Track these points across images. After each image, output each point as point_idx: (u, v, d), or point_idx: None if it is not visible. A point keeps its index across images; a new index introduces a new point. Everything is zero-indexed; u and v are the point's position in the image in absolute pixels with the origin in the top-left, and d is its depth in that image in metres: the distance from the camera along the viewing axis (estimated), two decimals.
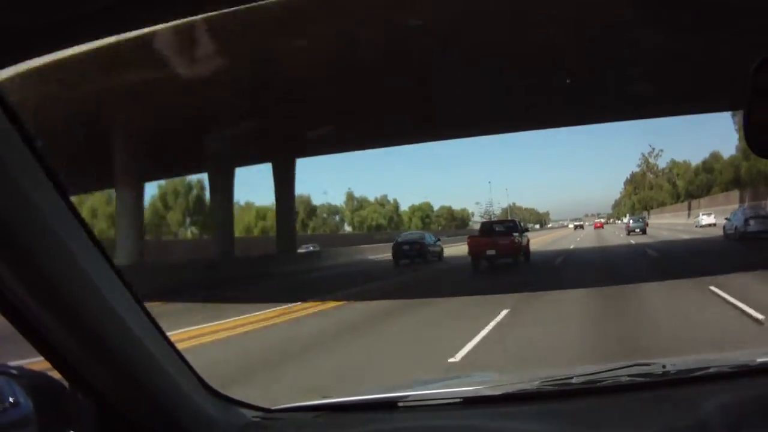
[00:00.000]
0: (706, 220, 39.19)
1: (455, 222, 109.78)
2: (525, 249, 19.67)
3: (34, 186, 0.82)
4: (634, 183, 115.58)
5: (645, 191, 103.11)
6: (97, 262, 0.93)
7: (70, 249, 0.86)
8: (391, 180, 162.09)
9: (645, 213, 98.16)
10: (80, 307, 0.89)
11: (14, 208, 0.79)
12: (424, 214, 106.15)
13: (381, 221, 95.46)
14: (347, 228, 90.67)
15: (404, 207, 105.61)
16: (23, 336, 0.92)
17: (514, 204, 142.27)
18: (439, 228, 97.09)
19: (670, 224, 53.71)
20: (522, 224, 21.41)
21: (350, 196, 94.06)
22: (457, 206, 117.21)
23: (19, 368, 1.07)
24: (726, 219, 24.58)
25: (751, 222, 20.89)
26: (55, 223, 0.84)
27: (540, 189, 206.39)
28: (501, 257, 18.00)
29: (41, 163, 0.83)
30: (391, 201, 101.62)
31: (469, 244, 18.84)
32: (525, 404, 1.30)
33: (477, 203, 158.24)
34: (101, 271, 0.93)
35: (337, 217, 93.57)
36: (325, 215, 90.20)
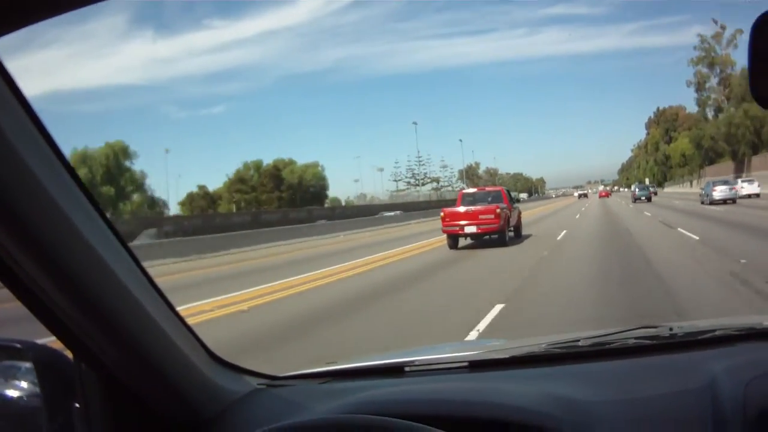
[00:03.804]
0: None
1: (281, 192, 62.64)
2: (515, 223, 16.90)
3: (33, 154, 0.80)
4: (665, 122, 69.18)
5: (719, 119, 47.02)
6: (101, 232, 0.92)
7: (72, 219, 0.85)
8: None
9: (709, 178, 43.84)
10: (83, 277, 0.88)
11: (13, 177, 0.78)
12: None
13: None
14: None
15: None
16: (27, 307, 0.91)
17: (476, 164, 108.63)
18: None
19: None
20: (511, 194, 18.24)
21: None
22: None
23: (24, 342, 1.08)
24: (701, 188, 33.52)
25: (717, 190, 29.82)
26: (56, 193, 0.83)
27: (533, 153, 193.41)
28: (483, 234, 15.30)
29: (40, 131, 0.82)
30: None
31: (444, 218, 15.62)
32: (532, 367, 1.30)
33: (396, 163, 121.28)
34: (105, 241, 0.92)
35: None
36: None
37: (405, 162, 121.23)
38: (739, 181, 34.14)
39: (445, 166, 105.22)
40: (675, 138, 65.29)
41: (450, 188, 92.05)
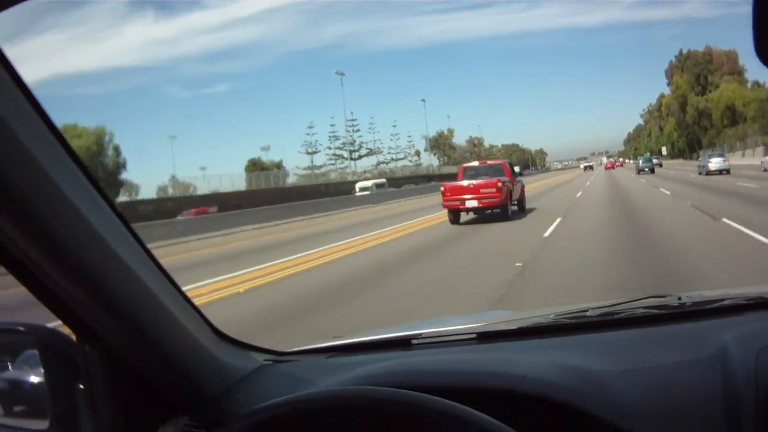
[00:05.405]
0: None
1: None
2: (518, 197, 16.57)
3: (33, 138, 0.79)
4: (695, 66, 46.02)
5: None
6: (103, 213, 0.91)
7: (73, 201, 0.84)
8: None
9: None
10: (85, 258, 0.87)
11: (13, 162, 0.77)
12: None
13: None
14: None
15: None
16: (29, 290, 0.91)
17: (449, 132, 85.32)
18: None
19: None
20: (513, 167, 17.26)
21: None
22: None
23: (27, 325, 1.09)
24: (699, 160, 37.77)
25: (712, 162, 33.20)
26: (58, 177, 0.82)
27: (532, 125, 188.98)
28: (485, 208, 14.96)
29: (39, 115, 0.81)
30: None
31: (444, 193, 15.30)
32: (540, 337, 1.29)
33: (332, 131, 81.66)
34: (106, 221, 0.91)
35: None
36: None
37: (328, 128, 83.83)
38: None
39: (396, 134, 76.15)
40: (714, 84, 45.01)
41: (408, 162, 71.96)
